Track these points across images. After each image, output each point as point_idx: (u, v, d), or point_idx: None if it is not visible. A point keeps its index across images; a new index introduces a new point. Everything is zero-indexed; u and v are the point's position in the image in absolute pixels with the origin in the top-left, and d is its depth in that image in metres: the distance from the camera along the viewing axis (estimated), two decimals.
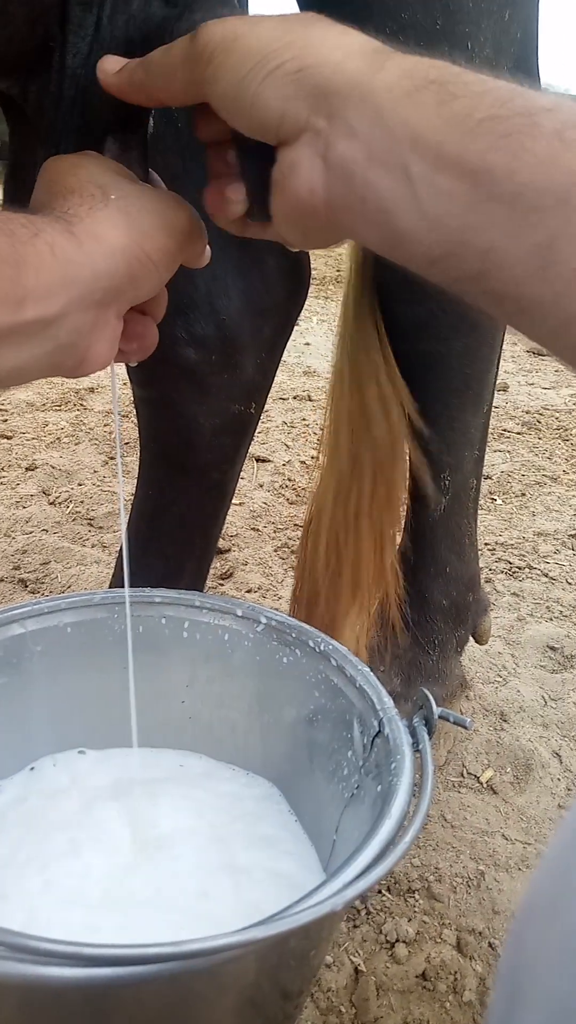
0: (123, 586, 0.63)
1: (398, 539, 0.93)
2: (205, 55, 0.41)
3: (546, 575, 1.37)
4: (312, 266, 0.80)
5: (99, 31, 0.52)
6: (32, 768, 0.67)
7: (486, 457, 0.92)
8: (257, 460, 1.73)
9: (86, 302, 0.40)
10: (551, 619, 1.24)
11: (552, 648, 1.16)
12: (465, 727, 0.58)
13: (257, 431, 0.85)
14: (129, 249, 0.41)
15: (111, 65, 0.46)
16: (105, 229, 0.41)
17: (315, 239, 0.42)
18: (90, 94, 0.51)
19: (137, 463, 0.87)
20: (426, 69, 0.36)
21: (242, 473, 0.88)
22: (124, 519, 0.60)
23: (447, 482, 0.87)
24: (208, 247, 0.50)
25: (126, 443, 1.75)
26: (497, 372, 0.88)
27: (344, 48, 0.38)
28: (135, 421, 0.86)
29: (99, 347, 0.43)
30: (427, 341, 0.81)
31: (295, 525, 1.48)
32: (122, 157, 0.49)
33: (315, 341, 2.68)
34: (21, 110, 0.62)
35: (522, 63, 0.72)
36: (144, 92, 0.45)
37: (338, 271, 3.48)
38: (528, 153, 0.31)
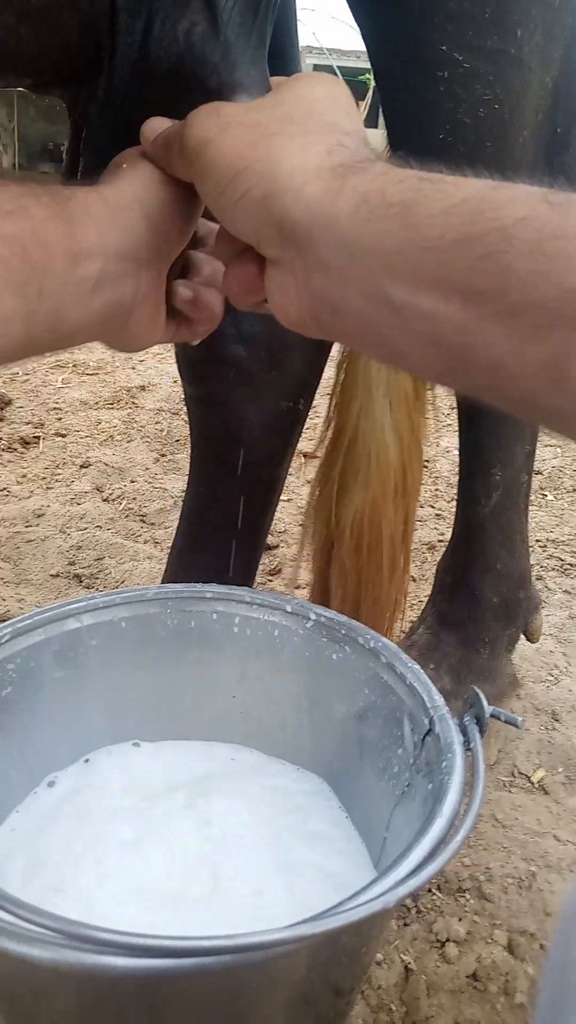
0: (175, 581, 0.64)
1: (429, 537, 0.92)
2: (186, 154, 0.42)
3: None
4: None
5: (148, 43, 0.53)
6: (87, 760, 0.68)
7: (537, 452, 0.91)
8: (304, 456, 1.73)
9: (120, 258, 0.42)
10: None
11: None
12: (516, 726, 0.57)
13: (304, 427, 0.85)
14: (144, 198, 0.44)
15: (148, 132, 0.47)
16: (122, 185, 0.44)
17: (323, 338, 0.42)
18: (134, 101, 0.52)
19: (188, 460, 0.88)
20: (384, 190, 0.34)
21: (289, 469, 0.88)
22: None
23: (498, 478, 0.86)
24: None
25: (177, 440, 1.77)
26: None
27: (304, 171, 0.37)
28: (185, 419, 0.87)
29: (144, 308, 0.45)
30: None
31: None
32: None
33: None
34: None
35: (573, 50, 0.71)
36: (167, 167, 0.46)
37: None
38: (512, 273, 0.30)
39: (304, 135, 0.39)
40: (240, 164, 0.38)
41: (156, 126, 0.47)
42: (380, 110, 0.74)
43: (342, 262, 0.35)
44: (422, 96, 0.67)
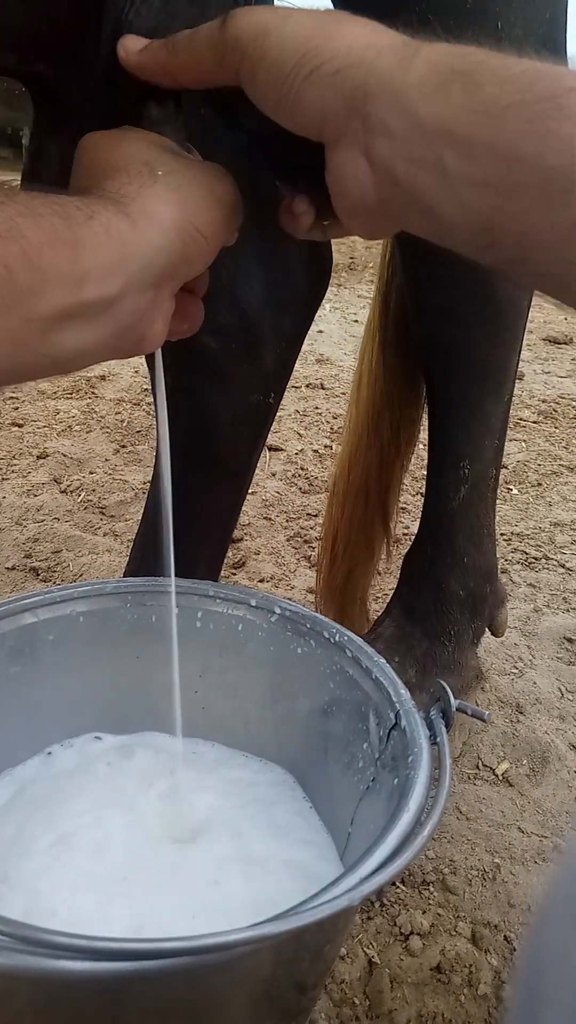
0: (137, 575, 0.62)
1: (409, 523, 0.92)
2: (237, 47, 0.41)
3: (563, 566, 1.36)
4: None
5: (133, 15, 0.52)
6: (49, 753, 0.67)
7: None
8: (270, 449, 1.72)
9: (144, 282, 0.40)
10: (568, 611, 1.23)
11: (569, 640, 1.15)
12: (483, 720, 0.57)
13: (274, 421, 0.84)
14: (181, 225, 0.41)
15: (132, 44, 0.46)
16: (157, 207, 0.41)
17: (380, 232, 0.44)
18: (121, 74, 0.51)
19: (149, 451, 0.87)
20: (451, 60, 0.36)
21: (258, 463, 0.87)
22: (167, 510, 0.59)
23: (467, 472, 0.86)
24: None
25: (138, 431, 1.75)
26: (518, 361, 0.87)
27: (376, 46, 0.38)
28: (147, 409, 0.85)
29: (156, 327, 0.43)
30: (450, 327, 0.81)
31: (307, 514, 1.47)
32: (159, 129, 0.49)
33: (328, 329, 2.67)
34: (45, 93, 0.62)
35: (550, 43, 0.71)
36: (168, 73, 0.45)
37: (351, 259, 3.46)
38: (554, 136, 0.32)
39: (371, 23, 0.41)
40: (312, 42, 0.39)
41: (135, 40, 0.46)
42: None
43: (406, 128, 0.37)
44: None
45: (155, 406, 0.53)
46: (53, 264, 0.36)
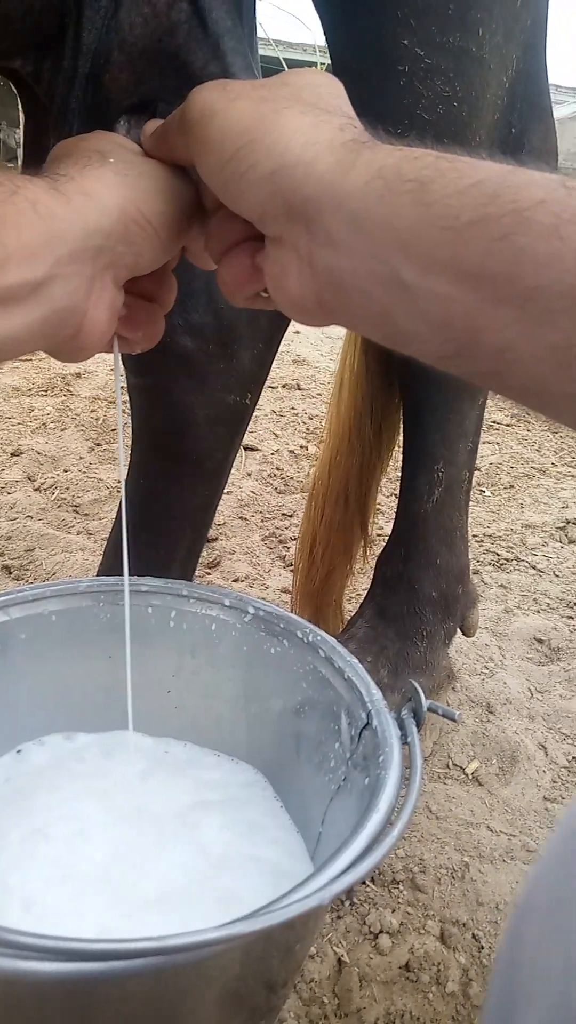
0: (110, 574, 0.62)
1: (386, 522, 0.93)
2: (186, 128, 0.40)
3: (534, 567, 1.37)
4: None
5: (118, 13, 0.51)
6: (19, 751, 0.66)
7: None
8: (245, 449, 1.72)
9: (76, 261, 0.38)
10: (538, 611, 1.24)
11: (539, 640, 1.17)
12: (453, 720, 0.58)
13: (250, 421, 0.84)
14: (123, 208, 0.40)
15: (149, 128, 0.45)
16: (97, 187, 0.39)
17: (320, 325, 0.41)
18: (103, 71, 0.50)
19: (126, 450, 0.86)
20: (399, 165, 0.33)
21: (234, 463, 0.87)
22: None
23: (441, 473, 0.87)
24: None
25: (113, 429, 1.74)
26: None
27: (316, 144, 0.36)
28: (126, 408, 0.85)
29: (97, 314, 0.41)
30: None
31: (283, 515, 1.47)
32: (132, 136, 0.49)
33: (305, 330, 2.67)
34: (25, 86, 0.61)
35: (530, 50, 0.72)
36: (163, 154, 0.44)
37: None
38: (527, 256, 0.29)
39: (315, 113, 0.38)
40: (248, 136, 0.37)
41: (152, 125, 0.45)
42: None
43: (352, 238, 0.34)
44: (381, 90, 0.66)
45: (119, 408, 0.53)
46: None
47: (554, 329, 0.29)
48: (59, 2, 0.52)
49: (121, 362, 0.60)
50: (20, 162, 0.70)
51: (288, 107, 0.38)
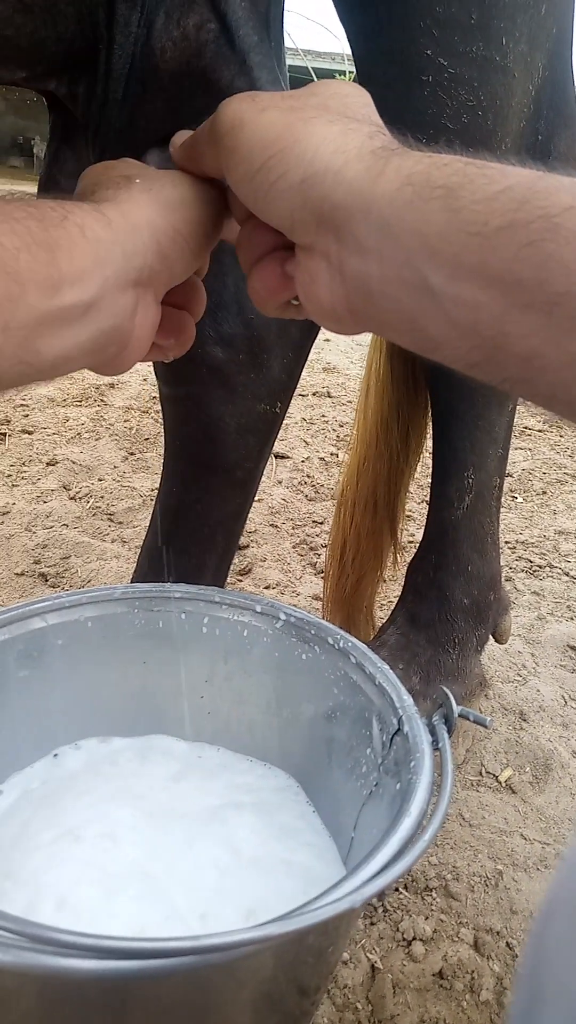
0: (145, 581, 0.63)
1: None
2: (216, 138, 0.41)
3: (567, 574, 1.36)
4: None
5: (150, 37, 0.52)
6: (55, 755, 0.68)
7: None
8: (276, 456, 1.72)
9: (121, 283, 0.39)
10: (572, 619, 1.23)
11: (572, 648, 1.16)
12: (485, 726, 0.58)
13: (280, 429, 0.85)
14: (156, 224, 0.41)
15: (178, 139, 0.46)
16: (131, 208, 0.41)
17: (349, 332, 0.42)
18: (136, 97, 0.51)
19: (157, 458, 0.88)
20: (428, 172, 0.34)
21: (264, 470, 0.88)
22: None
23: (471, 480, 0.87)
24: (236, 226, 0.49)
25: (146, 439, 1.76)
26: None
27: (344, 152, 0.36)
28: (155, 417, 0.86)
29: (140, 332, 0.42)
30: None
31: (313, 522, 1.48)
32: (163, 167, 0.50)
33: (335, 337, 2.68)
34: (59, 104, 0.63)
35: (557, 58, 0.71)
36: (193, 165, 0.45)
37: None
38: (555, 261, 0.29)
39: (344, 122, 0.38)
40: (278, 145, 0.37)
41: (181, 136, 0.46)
42: None
43: (381, 245, 0.34)
44: (406, 100, 0.67)
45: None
46: (30, 268, 0.35)
47: None
48: (91, 29, 0.54)
49: (150, 370, 0.61)
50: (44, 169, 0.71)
51: (317, 116, 0.39)
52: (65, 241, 0.37)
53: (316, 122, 0.38)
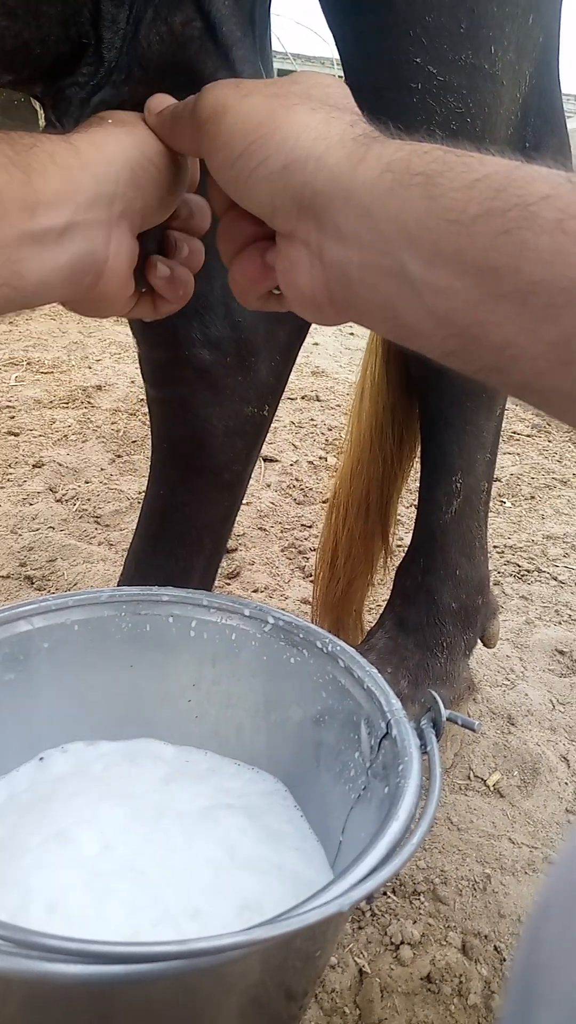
0: (132, 584, 0.63)
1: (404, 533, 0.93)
2: (198, 123, 0.41)
3: (555, 579, 1.37)
4: None
5: (137, 32, 0.52)
6: (41, 759, 0.67)
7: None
8: (265, 460, 1.72)
9: (93, 208, 0.40)
10: (560, 623, 1.24)
11: (560, 652, 1.16)
12: (473, 730, 0.58)
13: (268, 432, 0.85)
14: (128, 153, 0.42)
15: (154, 105, 0.47)
16: (101, 138, 0.42)
17: (330, 322, 0.42)
18: (123, 85, 0.51)
19: (144, 461, 0.87)
20: (408, 159, 0.34)
21: (252, 473, 0.88)
22: None
23: (459, 484, 0.87)
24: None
25: (133, 441, 1.75)
26: None
27: (326, 139, 0.37)
28: (142, 419, 0.86)
29: (116, 262, 0.43)
30: None
31: (302, 525, 1.48)
32: None
33: (324, 341, 2.68)
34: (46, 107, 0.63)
35: (543, 66, 0.72)
36: (173, 143, 0.46)
37: None
38: (531, 250, 0.29)
39: (325, 109, 0.39)
40: (260, 131, 0.38)
41: (162, 100, 0.46)
42: None
43: (361, 231, 0.35)
44: (394, 108, 0.67)
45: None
46: (8, 188, 0.36)
47: (555, 325, 0.29)
48: (76, 30, 0.54)
49: (136, 372, 0.61)
50: None
51: (299, 104, 0.39)
52: (37, 165, 0.37)
53: (298, 109, 0.39)
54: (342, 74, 0.72)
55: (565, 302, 0.29)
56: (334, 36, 0.70)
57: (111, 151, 0.41)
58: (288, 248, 0.39)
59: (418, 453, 0.99)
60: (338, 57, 0.71)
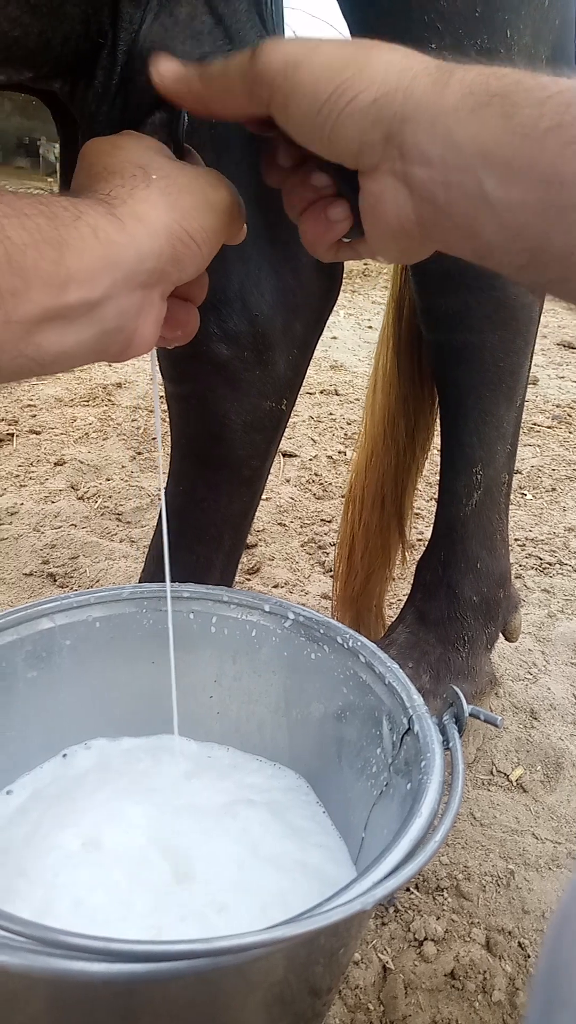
0: (153, 581, 0.63)
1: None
2: (266, 79, 0.41)
3: None
4: None
5: (142, 24, 0.53)
6: (64, 755, 0.68)
7: (516, 451, 0.91)
8: (284, 455, 1.72)
9: (131, 284, 0.40)
10: None
11: None
12: (496, 725, 0.57)
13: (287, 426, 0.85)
14: (171, 229, 0.41)
15: (167, 68, 0.46)
16: (147, 210, 0.41)
17: (412, 255, 0.43)
18: (134, 85, 0.51)
19: (164, 457, 0.87)
20: (487, 81, 0.36)
21: (271, 468, 0.88)
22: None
23: (479, 476, 0.86)
24: (245, 228, 0.49)
25: (154, 438, 1.76)
26: (530, 366, 0.87)
27: (411, 70, 0.38)
28: (162, 416, 0.86)
29: (145, 330, 0.43)
30: (462, 332, 0.81)
31: (321, 520, 1.47)
32: (159, 134, 0.50)
33: (342, 335, 2.67)
34: (60, 108, 0.63)
35: (559, 51, 0.71)
36: (202, 103, 0.45)
37: (365, 265, 3.46)
38: None
39: (401, 48, 0.40)
40: (348, 71, 0.39)
41: (169, 64, 0.46)
42: None
43: (445, 152, 0.37)
44: None
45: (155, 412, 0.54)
46: (36, 265, 0.35)
47: None
48: (96, 29, 0.54)
49: (159, 369, 0.61)
50: (58, 176, 0.71)
51: (375, 46, 0.40)
52: (77, 241, 0.37)
53: (377, 49, 0.40)
54: None
55: None
56: (347, 23, 0.69)
57: (156, 226, 0.41)
58: (373, 184, 0.40)
59: (433, 444, 0.99)
60: None
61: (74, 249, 0.37)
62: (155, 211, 0.41)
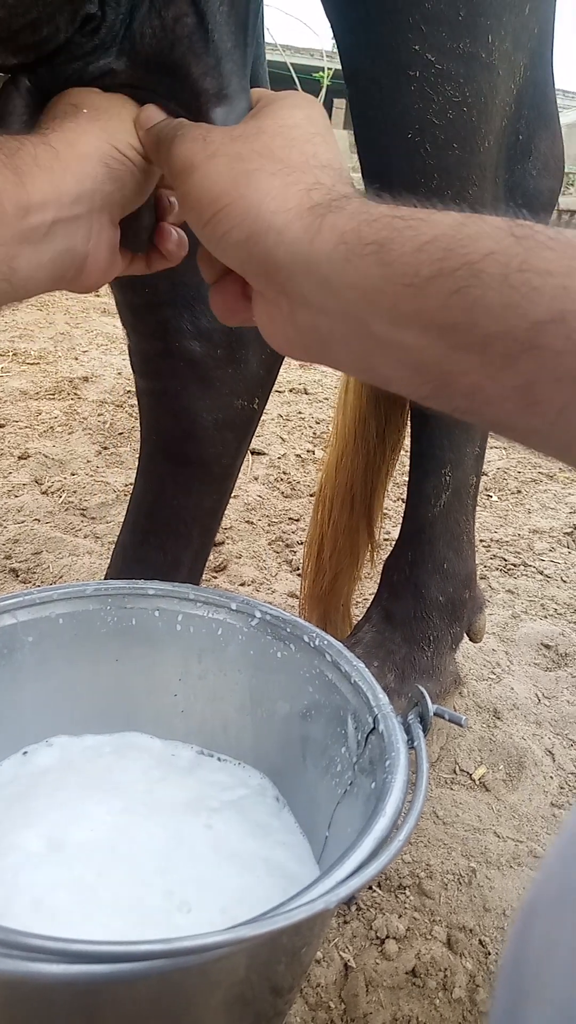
0: (119, 577, 0.62)
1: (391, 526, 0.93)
2: (172, 172, 0.43)
3: (541, 572, 1.37)
4: None
5: (132, 21, 0.52)
6: (25, 752, 0.67)
7: None
8: (252, 453, 1.72)
9: (74, 207, 0.42)
10: (545, 617, 1.24)
11: (546, 646, 1.16)
12: (460, 725, 0.58)
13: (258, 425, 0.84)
14: (102, 150, 0.44)
15: (145, 119, 0.48)
16: (77, 136, 0.44)
17: (314, 362, 0.44)
18: (120, 78, 0.51)
19: (131, 453, 0.87)
20: (359, 229, 0.35)
21: (241, 467, 0.87)
22: None
23: (448, 478, 0.87)
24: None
25: (120, 433, 1.74)
26: None
27: (285, 211, 0.38)
28: (129, 411, 0.85)
29: (98, 254, 0.45)
30: None
31: (289, 519, 1.47)
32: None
33: None
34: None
35: (538, 57, 0.72)
36: (154, 160, 0.47)
37: None
38: (481, 305, 0.31)
39: (284, 172, 0.40)
40: (223, 201, 0.40)
41: (153, 115, 0.48)
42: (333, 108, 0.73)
43: (325, 299, 0.37)
44: (392, 95, 0.67)
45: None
46: (4, 190, 0.38)
47: (515, 372, 0.31)
48: (82, 11, 0.53)
49: (125, 364, 0.60)
50: None
51: (259, 168, 0.40)
52: (24, 167, 0.40)
53: (259, 175, 0.40)
54: (334, 66, 0.71)
55: (519, 351, 0.30)
56: (331, 23, 0.69)
57: (86, 148, 0.43)
58: (263, 304, 0.41)
59: (403, 446, 0.99)
60: (328, 49, 0.70)
61: (26, 174, 0.40)
62: (84, 136, 0.44)
